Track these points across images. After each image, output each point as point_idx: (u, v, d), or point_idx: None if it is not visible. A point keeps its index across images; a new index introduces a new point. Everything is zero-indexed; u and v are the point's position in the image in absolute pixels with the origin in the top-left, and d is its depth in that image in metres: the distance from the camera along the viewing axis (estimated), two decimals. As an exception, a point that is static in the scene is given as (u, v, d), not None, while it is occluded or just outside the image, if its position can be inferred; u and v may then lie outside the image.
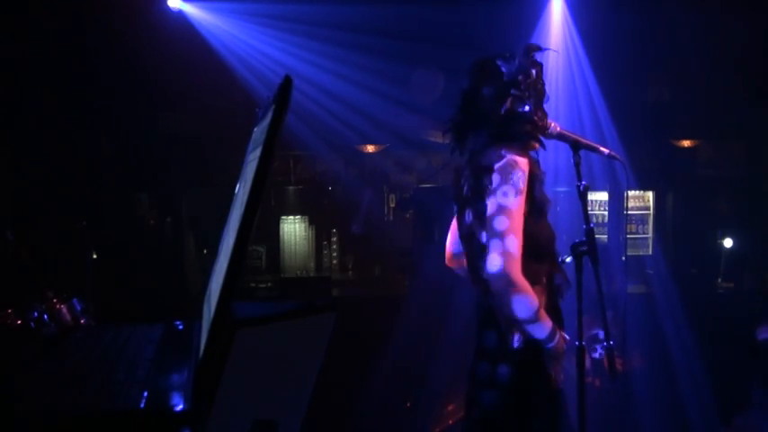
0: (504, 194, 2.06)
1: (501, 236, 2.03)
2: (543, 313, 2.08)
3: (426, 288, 4.67)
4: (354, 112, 6.22)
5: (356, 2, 5.33)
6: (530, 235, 2.12)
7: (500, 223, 2.04)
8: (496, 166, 2.10)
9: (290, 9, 5.63)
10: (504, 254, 2.01)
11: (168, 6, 5.77)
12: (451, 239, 2.47)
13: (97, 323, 2.26)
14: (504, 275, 2.00)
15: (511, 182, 2.07)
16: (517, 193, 2.07)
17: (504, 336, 2.14)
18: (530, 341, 2.12)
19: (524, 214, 2.11)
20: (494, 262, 2.02)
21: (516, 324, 2.09)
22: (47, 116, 5.36)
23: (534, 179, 2.15)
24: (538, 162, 2.23)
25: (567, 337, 2.19)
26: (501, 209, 2.06)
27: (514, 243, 2.03)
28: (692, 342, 4.73)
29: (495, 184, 2.09)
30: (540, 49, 2.27)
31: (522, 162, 2.10)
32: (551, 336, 2.09)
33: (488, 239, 2.06)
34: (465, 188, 2.23)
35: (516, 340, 2.13)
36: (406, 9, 5.35)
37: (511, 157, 2.09)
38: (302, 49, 5.95)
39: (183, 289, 6.08)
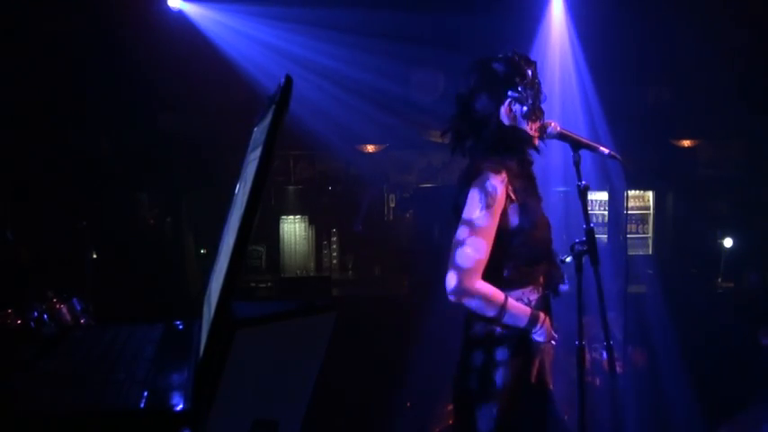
0: (472, 211, 2.13)
1: (457, 251, 2.12)
2: (513, 303, 2.13)
3: (426, 287, 4.66)
4: (354, 111, 6.22)
5: (357, 2, 5.33)
6: (523, 239, 2.18)
7: (460, 236, 2.13)
8: (473, 182, 2.16)
9: (289, 9, 5.63)
10: (457, 270, 2.10)
11: (168, 6, 5.77)
12: None
13: (97, 323, 2.27)
14: (457, 291, 2.10)
15: (479, 198, 2.13)
16: (484, 207, 2.12)
17: (488, 329, 2.18)
18: (514, 342, 2.14)
19: (513, 223, 2.16)
20: (449, 281, 2.12)
21: (492, 322, 2.15)
22: (48, 116, 5.36)
23: (518, 189, 2.19)
24: (524, 169, 2.26)
25: (555, 335, 2.22)
26: (465, 222, 2.14)
27: (470, 257, 2.10)
28: (692, 342, 4.73)
29: (467, 201, 2.16)
30: (531, 60, 2.30)
31: (498, 178, 2.14)
32: (532, 322, 2.14)
33: (451, 252, 2.14)
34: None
35: (501, 332, 2.16)
36: (407, 10, 5.35)
37: (487, 173, 2.15)
38: (302, 49, 5.95)
39: (183, 289, 6.08)
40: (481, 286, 2.11)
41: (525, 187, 2.22)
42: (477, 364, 2.18)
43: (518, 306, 2.14)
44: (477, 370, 2.18)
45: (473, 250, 2.10)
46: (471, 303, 2.11)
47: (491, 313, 2.11)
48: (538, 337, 2.17)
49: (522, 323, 2.14)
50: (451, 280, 2.10)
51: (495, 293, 2.11)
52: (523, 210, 2.19)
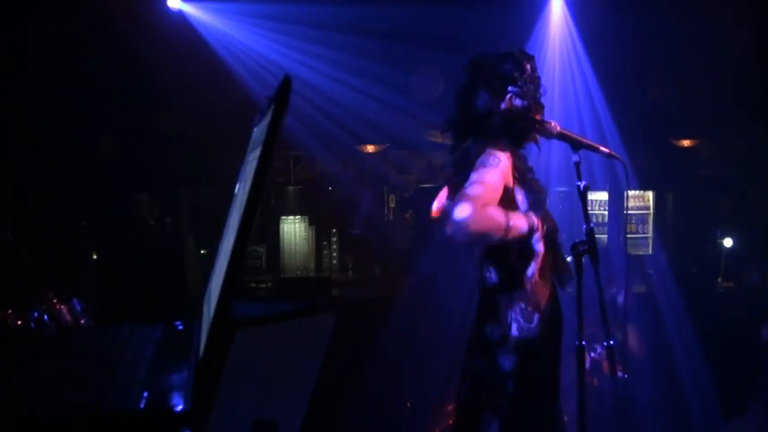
0: (479, 171, 2.11)
1: (469, 187, 2.07)
2: (514, 216, 2.09)
3: (426, 287, 4.67)
4: (354, 112, 6.22)
5: (356, 3, 5.33)
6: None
7: (472, 179, 2.09)
8: (477, 161, 2.15)
9: (289, 10, 5.63)
10: (471, 200, 2.02)
11: (168, 6, 5.77)
12: (440, 197, 2.51)
13: (97, 323, 2.26)
14: (472, 219, 2.00)
15: (487, 163, 2.12)
16: (490, 167, 2.11)
17: (502, 324, 2.17)
18: (527, 332, 2.14)
19: (521, 208, 2.17)
20: (461, 211, 2.01)
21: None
22: (47, 116, 5.36)
23: (522, 172, 2.21)
24: (524, 158, 2.27)
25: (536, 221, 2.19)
26: (474, 177, 2.10)
27: (483, 191, 2.05)
28: (692, 341, 4.73)
29: (473, 171, 2.13)
30: (528, 54, 2.30)
31: (502, 154, 2.15)
32: (531, 229, 2.14)
33: (461, 192, 2.09)
34: (451, 184, 2.28)
35: (515, 329, 2.15)
36: (406, 10, 5.36)
37: (491, 150, 2.15)
38: (302, 50, 5.95)
39: (183, 289, 6.08)
40: (492, 210, 2.05)
41: (529, 172, 2.23)
42: (488, 367, 2.18)
43: (518, 217, 2.11)
44: (488, 373, 2.17)
45: (485, 188, 2.07)
46: (482, 227, 2.03)
47: (498, 234, 2.06)
48: (536, 243, 2.17)
49: (524, 231, 2.11)
50: (465, 209, 2.00)
51: (499, 212, 2.06)
52: (529, 193, 2.19)
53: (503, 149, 2.16)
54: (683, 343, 4.75)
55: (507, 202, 2.14)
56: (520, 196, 2.18)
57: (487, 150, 2.15)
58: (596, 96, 5.91)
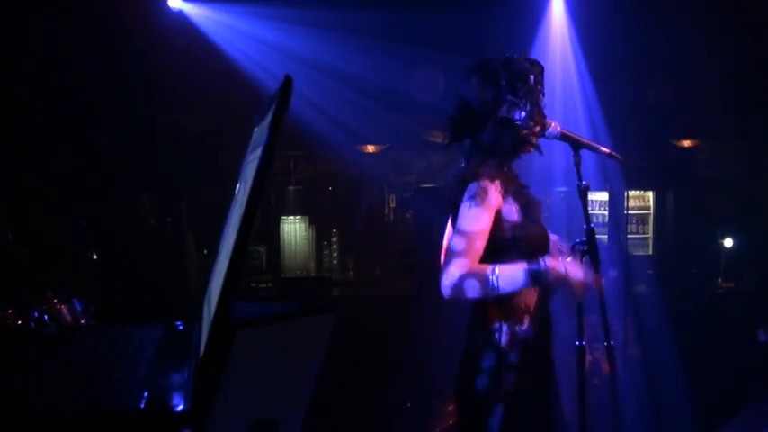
0: (467, 221, 2.13)
1: (453, 260, 2.09)
2: (503, 267, 2.08)
3: (426, 287, 4.66)
4: (355, 112, 6.21)
5: (357, 3, 5.33)
6: (522, 238, 2.17)
7: (457, 247, 2.11)
8: (468, 189, 2.16)
9: (290, 9, 5.63)
10: (455, 262, 2.08)
11: (168, 6, 5.77)
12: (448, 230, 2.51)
13: (97, 323, 2.27)
14: (453, 286, 2.07)
15: (474, 203, 2.12)
16: (479, 216, 2.12)
17: (491, 331, 2.17)
18: (517, 335, 2.14)
19: (513, 222, 2.18)
20: (444, 284, 2.09)
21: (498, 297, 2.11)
22: (47, 116, 5.36)
23: (514, 193, 2.21)
24: (516, 177, 2.28)
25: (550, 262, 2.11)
26: (461, 233, 2.13)
27: (466, 264, 2.08)
28: (692, 342, 4.73)
29: (461, 209, 2.16)
30: (536, 63, 2.28)
31: (492, 186, 2.15)
32: (534, 277, 2.08)
33: (445, 258, 2.13)
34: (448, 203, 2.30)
35: (504, 334, 2.15)
36: (407, 11, 5.36)
37: (481, 180, 2.15)
38: (302, 50, 5.95)
39: (183, 289, 6.08)
40: (471, 272, 2.07)
41: (520, 190, 2.24)
42: (483, 367, 2.18)
43: (507, 269, 2.08)
44: (484, 373, 2.18)
45: (469, 259, 2.09)
46: (467, 290, 2.06)
47: (487, 289, 2.06)
48: (561, 284, 2.13)
49: (521, 282, 2.07)
50: (450, 275, 2.07)
51: (481, 267, 2.08)
52: (525, 206, 2.20)
53: (493, 177, 2.16)
54: (683, 343, 4.75)
55: (495, 223, 2.15)
56: (508, 215, 2.18)
57: (480, 179, 2.15)
58: (596, 96, 5.91)
